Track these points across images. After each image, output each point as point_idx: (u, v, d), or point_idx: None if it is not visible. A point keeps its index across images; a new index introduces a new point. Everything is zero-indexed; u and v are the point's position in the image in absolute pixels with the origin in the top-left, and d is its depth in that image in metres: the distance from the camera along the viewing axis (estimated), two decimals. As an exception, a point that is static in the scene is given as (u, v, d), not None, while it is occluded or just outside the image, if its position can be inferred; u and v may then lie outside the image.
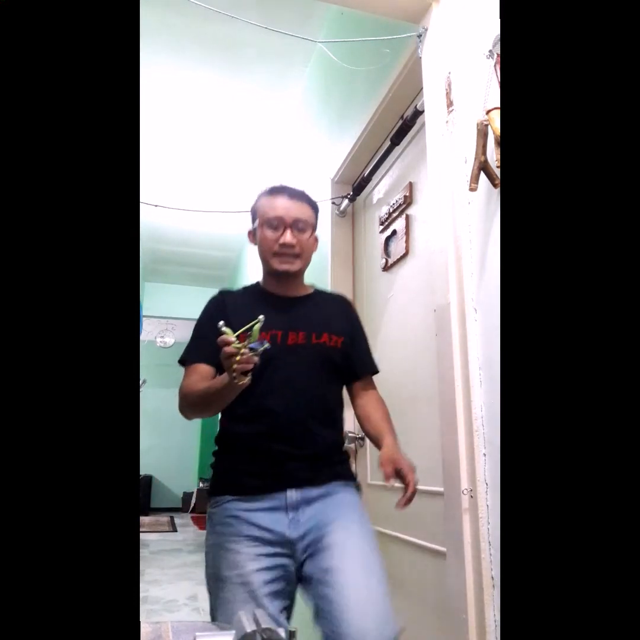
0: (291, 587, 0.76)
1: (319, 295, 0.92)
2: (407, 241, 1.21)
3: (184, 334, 5.67)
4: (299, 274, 0.88)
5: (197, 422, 6.38)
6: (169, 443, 6.14)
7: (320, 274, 1.69)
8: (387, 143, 1.32)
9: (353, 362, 0.87)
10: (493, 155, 0.79)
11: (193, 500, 5.86)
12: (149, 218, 3.00)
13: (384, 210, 1.34)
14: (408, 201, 1.22)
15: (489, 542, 0.76)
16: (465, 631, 0.75)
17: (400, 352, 1.21)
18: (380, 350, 1.20)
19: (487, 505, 0.77)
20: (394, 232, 1.28)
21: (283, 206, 0.83)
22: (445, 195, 0.91)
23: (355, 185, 1.53)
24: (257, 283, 0.93)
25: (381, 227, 1.35)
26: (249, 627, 0.42)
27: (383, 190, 1.40)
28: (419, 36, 1.03)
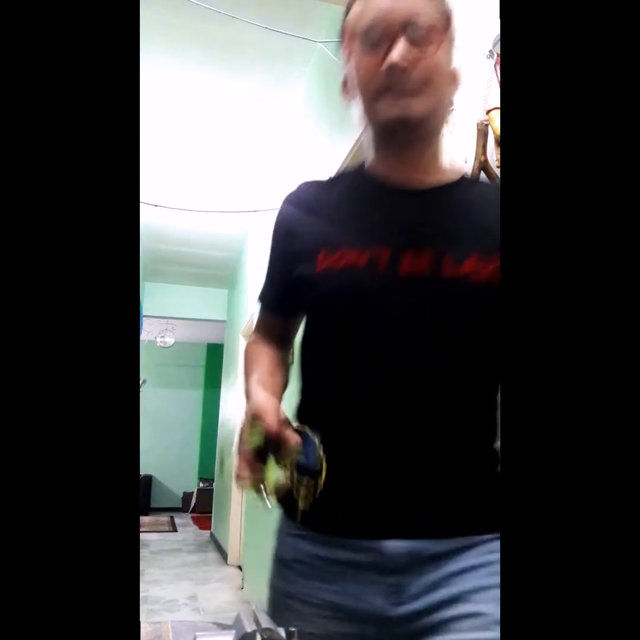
0: None
1: (468, 186, 0.52)
2: (407, 241, 1.20)
3: (184, 334, 5.67)
4: (427, 130, 0.47)
5: (197, 422, 6.39)
6: (169, 443, 6.15)
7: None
8: (387, 143, 1.31)
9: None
10: (493, 155, 0.79)
11: (193, 500, 5.87)
12: (149, 218, 3.00)
13: (384, 210, 1.34)
14: (408, 201, 1.21)
15: (489, 542, 0.76)
16: (465, 631, 0.75)
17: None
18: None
19: (487, 505, 0.76)
20: (394, 232, 1.27)
21: (384, 4, 0.46)
22: (446, 195, 0.91)
23: (356, 185, 1.53)
24: (362, 165, 0.54)
25: (381, 227, 1.35)
26: (249, 627, 0.42)
27: (383, 190, 1.40)
28: (419, 36, 1.03)
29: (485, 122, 0.78)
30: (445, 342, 0.43)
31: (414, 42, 0.46)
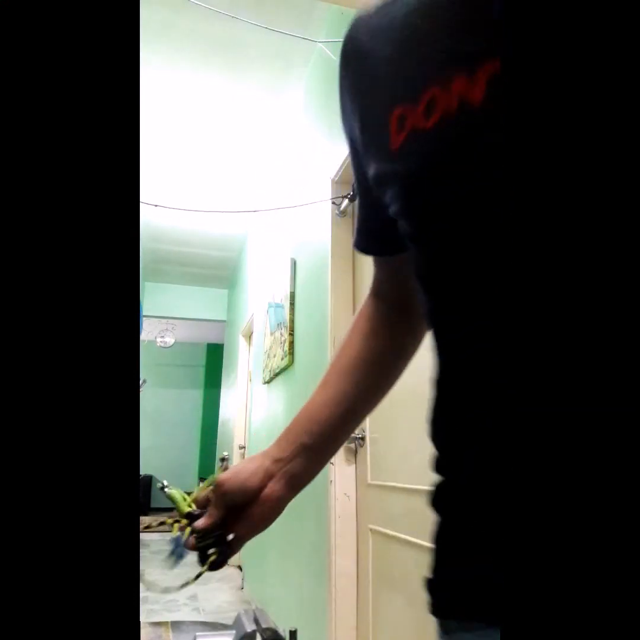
0: None
1: None
2: (407, 241, 1.20)
3: (184, 334, 5.67)
4: None
5: (197, 422, 6.40)
6: (169, 443, 6.15)
7: (320, 273, 1.69)
8: (387, 143, 1.31)
9: None
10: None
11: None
12: (149, 218, 3.00)
13: (384, 210, 1.34)
14: (408, 201, 1.21)
15: (489, 542, 0.76)
16: (465, 631, 0.75)
17: (400, 352, 1.20)
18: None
19: (487, 505, 0.76)
20: (394, 232, 1.27)
21: None
22: (445, 195, 0.91)
23: (355, 185, 1.53)
24: None
25: (381, 227, 1.35)
26: (249, 627, 0.42)
27: (383, 190, 1.40)
28: (419, 36, 1.02)
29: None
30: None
31: None
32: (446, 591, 0.26)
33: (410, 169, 0.27)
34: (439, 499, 0.27)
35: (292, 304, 1.99)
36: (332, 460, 1.42)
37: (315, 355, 1.67)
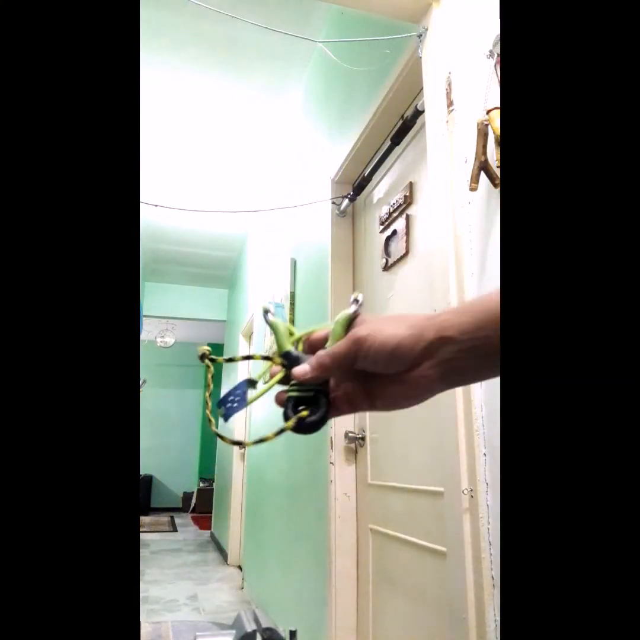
0: None
1: None
2: (407, 241, 1.21)
3: (184, 333, 5.67)
4: None
5: (197, 422, 6.39)
6: (169, 443, 6.15)
7: (320, 273, 1.69)
8: (388, 143, 1.32)
9: None
10: (493, 155, 0.79)
11: (193, 500, 5.87)
12: (149, 218, 3.00)
13: (384, 210, 1.34)
14: (408, 201, 1.22)
15: (489, 542, 0.76)
16: (465, 631, 0.75)
17: (400, 352, 1.20)
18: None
19: (487, 505, 0.76)
20: (394, 232, 1.28)
21: None
22: (446, 195, 0.91)
23: (356, 185, 1.53)
24: None
25: (381, 227, 1.35)
26: (249, 627, 0.42)
27: (383, 190, 1.40)
28: (419, 36, 1.03)
29: (486, 122, 0.78)
30: None
31: None
32: None
33: None
34: None
35: (292, 304, 1.98)
36: (332, 460, 1.43)
37: (315, 355, 1.67)
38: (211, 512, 4.65)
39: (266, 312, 0.32)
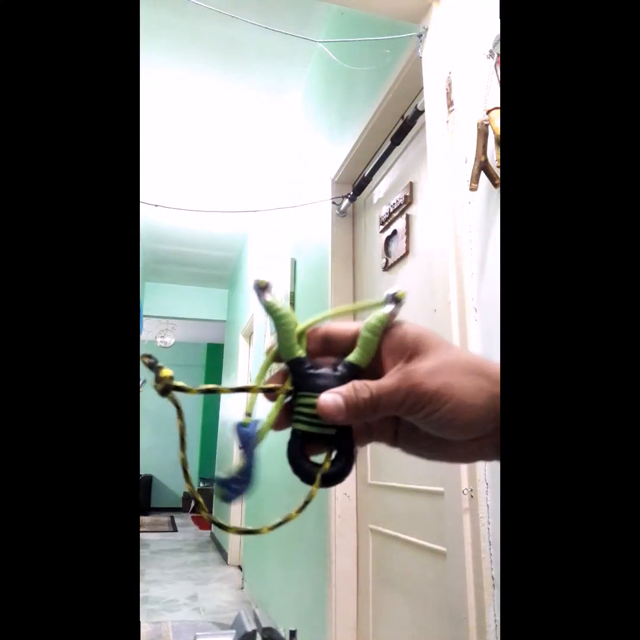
0: None
1: None
2: (407, 241, 1.21)
3: (184, 334, 5.66)
4: None
5: (197, 422, 6.38)
6: (169, 443, 6.14)
7: (320, 273, 1.69)
8: (388, 143, 1.31)
9: None
10: (493, 155, 0.79)
11: (193, 501, 5.85)
12: (149, 218, 3.00)
13: (384, 210, 1.34)
14: (408, 201, 1.22)
15: (489, 542, 0.76)
16: (466, 631, 0.75)
17: (400, 352, 1.20)
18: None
19: (488, 505, 0.76)
20: (395, 232, 1.28)
21: None
22: (446, 195, 0.91)
23: (356, 185, 1.53)
24: None
25: (381, 227, 1.35)
26: (249, 627, 0.42)
27: (383, 190, 1.40)
28: (420, 36, 1.03)
29: (486, 122, 0.78)
30: None
31: None
32: None
33: None
34: None
35: (292, 304, 1.98)
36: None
37: (316, 355, 1.67)
38: (211, 512, 4.64)
39: (261, 288, 0.22)
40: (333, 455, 0.21)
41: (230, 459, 3.68)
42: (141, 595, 2.59)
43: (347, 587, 1.35)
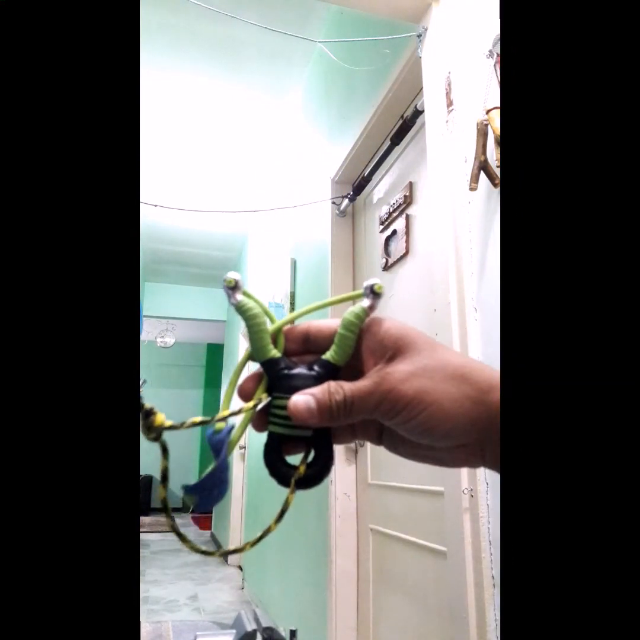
0: None
1: None
2: (407, 241, 1.21)
3: (184, 334, 5.66)
4: None
5: (196, 428, 6.36)
6: (169, 443, 6.12)
7: (320, 273, 1.69)
8: (387, 143, 1.31)
9: None
10: (493, 155, 0.79)
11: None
12: (149, 218, 3.00)
13: (384, 210, 1.34)
14: (408, 201, 1.22)
15: (490, 541, 0.76)
16: (466, 630, 0.75)
17: (400, 352, 1.20)
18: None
19: (488, 505, 0.76)
20: (394, 232, 1.28)
21: None
22: (446, 195, 0.91)
23: (356, 184, 1.53)
24: None
25: (381, 227, 1.35)
26: (250, 627, 0.42)
27: (383, 189, 1.40)
28: (419, 36, 1.03)
29: (485, 122, 0.78)
30: None
31: None
32: None
33: None
34: None
35: (292, 303, 1.98)
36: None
37: (316, 355, 1.67)
38: (211, 512, 4.65)
39: (231, 288, 0.20)
40: (310, 457, 0.21)
41: (230, 459, 3.66)
42: (141, 595, 2.59)
43: (347, 587, 1.35)
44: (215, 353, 6.03)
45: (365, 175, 1.46)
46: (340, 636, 1.32)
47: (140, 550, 3.69)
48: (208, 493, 0.20)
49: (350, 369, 0.21)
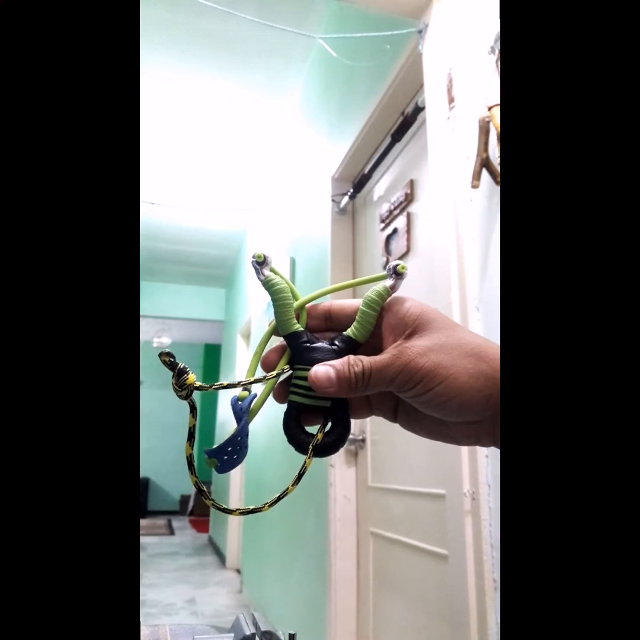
0: None
1: None
2: (408, 239, 1.20)
3: (181, 334, 5.65)
4: None
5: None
6: (166, 445, 6.12)
7: (320, 272, 1.68)
8: (388, 140, 1.30)
9: None
10: (495, 152, 0.78)
11: (191, 503, 5.84)
12: (145, 216, 2.98)
13: (384, 208, 1.33)
14: (409, 199, 1.21)
15: (491, 544, 0.75)
16: (467, 635, 0.74)
17: (400, 352, 1.19)
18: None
19: (489, 508, 0.75)
20: (395, 230, 1.27)
21: None
22: (447, 192, 0.90)
23: (356, 182, 1.52)
24: None
25: (382, 225, 1.34)
26: (248, 630, 0.41)
27: (384, 187, 1.39)
28: (420, 32, 1.02)
29: (487, 119, 0.77)
30: None
31: None
32: None
33: None
34: None
35: (290, 303, 1.97)
36: (332, 462, 1.42)
37: (314, 356, 1.65)
38: (209, 515, 4.64)
39: (259, 263, 0.22)
40: (328, 426, 0.22)
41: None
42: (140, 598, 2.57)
43: (347, 591, 1.34)
44: (212, 353, 6.01)
45: (366, 172, 1.45)
46: (339, 640, 1.31)
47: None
48: (229, 457, 0.22)
49: (370, 347, 0.22)
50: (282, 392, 0.23)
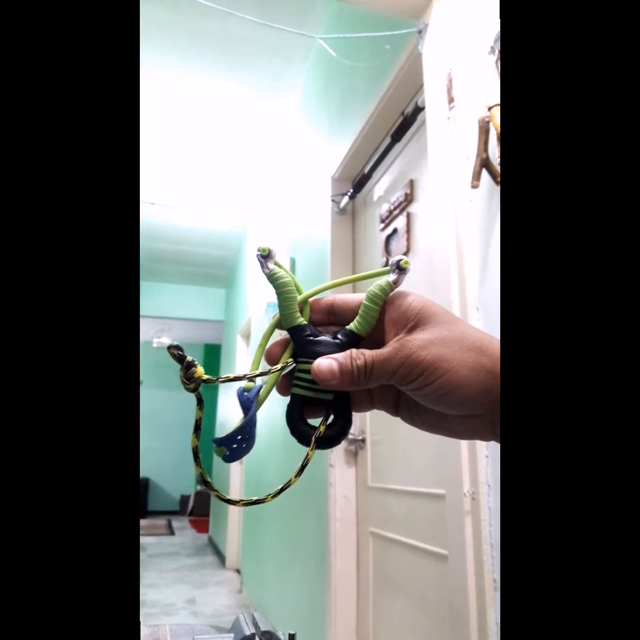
0: None
1: None
2: (408, 239, 1.20)
3: (181, 334, 5.64)
4: None
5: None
6: (166, 445, 6.12)
7: (319, 272, 1.68)
8: (388, 140, 1.30)
9: None
10: (495, 152, 0.78)
11: (191, 503, 5.84)
12: (145, 216, 2.98)
13: (384, 208, 1.33)
14: (409, 199, 1.21)
15: (491, 544, 0.75)
16: (467, 635, 0.74)
17: (400, 352, 1.19)
18: (380, 350, 1.19)
19: (489, 508, 0.75)
20: (395, 230, 1.27)
21: None
22: (447, 192, 0.90)
23: (356, 182, 1.52)
24: None
25: (382, 225, 1.34)
26: (248, 630, 0.41)
27: (384, 187, 1.39)
28: (420, 32, 1.02)
29: (487, 119, 0.77)
30: None
31: None
32: None
33: None
34: None
35: (290, 303, 1.97)
36: (332, 462, 1.42)
37: (314, 356, 1.66)
38: (209, 515, 4.63)
39: (264, 257, 0.22)
40: (330, 419, 0.22)
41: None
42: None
43: (347, 591, 1.34)
44: (212, 353, 6.01)
45: (366, 172, 1.45)
46: (339, 640, 1.31)
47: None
48: (237, 445, 0.22)
49: (372, 341, 0.22)
50: (285, 384, 0.23)
